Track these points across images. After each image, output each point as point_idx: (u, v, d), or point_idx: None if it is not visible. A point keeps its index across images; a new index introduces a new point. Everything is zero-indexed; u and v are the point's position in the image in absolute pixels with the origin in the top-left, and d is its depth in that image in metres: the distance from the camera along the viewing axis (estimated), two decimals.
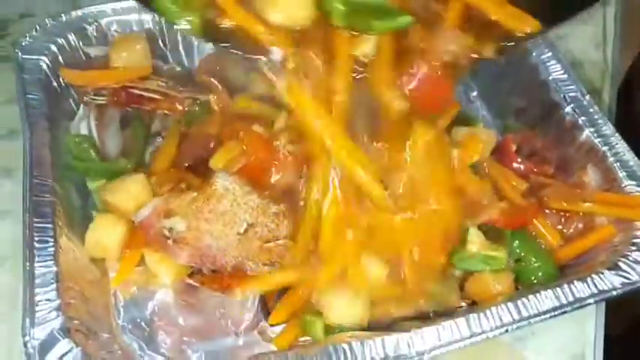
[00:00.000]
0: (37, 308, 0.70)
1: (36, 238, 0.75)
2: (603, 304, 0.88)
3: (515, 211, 0.80)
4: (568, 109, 0.94)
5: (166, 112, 0.90)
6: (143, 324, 0.84)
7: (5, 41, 1.15)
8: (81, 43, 0.98)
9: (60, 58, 0.95)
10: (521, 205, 0.82)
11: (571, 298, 0.76)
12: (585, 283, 0.77)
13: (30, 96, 0.89)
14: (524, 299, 0.75)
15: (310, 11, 0.71)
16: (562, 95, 0.95)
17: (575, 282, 0.77)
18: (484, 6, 0.75)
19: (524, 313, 0.75)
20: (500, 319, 0.74)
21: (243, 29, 0.71)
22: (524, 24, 0.74)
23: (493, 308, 0.75)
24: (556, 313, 0.75)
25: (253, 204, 0.78)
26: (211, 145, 0.82)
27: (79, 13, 0.99)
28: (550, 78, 0.97)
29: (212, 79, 0.89)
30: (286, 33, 0.71)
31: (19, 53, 0.93)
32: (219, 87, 0.89)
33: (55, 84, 0.94)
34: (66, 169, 0.87)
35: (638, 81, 1.40)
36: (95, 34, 0.99)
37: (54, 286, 0.72)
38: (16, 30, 1.15)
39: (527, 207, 0.82)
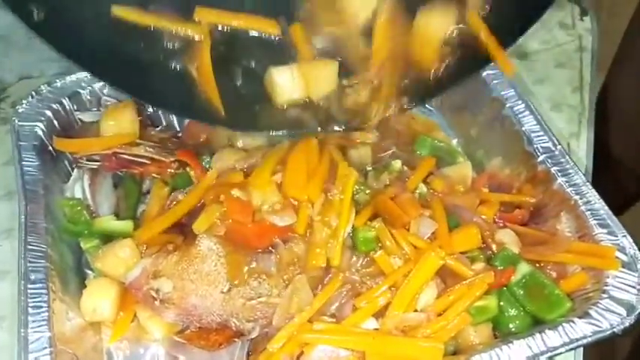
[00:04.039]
0: None
1: (30, 304, 0.78)
2: (581, 349, 0.91)
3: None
4: (541, 159, 0.97)
5: (154, 174, 0.95)
6: None
7: (5, 103, 1.20)
8: (75, 108, 1.03)
9: (55, 123, 1.00)
10: (497, 269, 0.86)
11: (543, 348, 0.79)
12: (557, 332, 0.80)
13: (25, 162, 0.93)
14: (497, 349, 0.78)
15: None
16: (535, 146, 0.99)
17: (547, 331, 0.80)
18: None
19: None
20: None
21: None
22: None
23: None
24: None
25: (236, 264, 0.82)
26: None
27: (74, 78, 1.04)
28: (523, 129, 1.01)
29: (191, 154, 0.94)
30: None
31: (16, 120, 0.98)
32: (196, 160, 0.93)
33: (50, 148, 0.98)
34: (60, 231, 0.91)
35: (613, 120, 1.45)
36: (89, 97, 1.04)
37: (47, 350, 0.75)
38: (15, 92, 1.21)
39: (503, 270, 0.86)
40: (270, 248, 0.83)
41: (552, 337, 0.79)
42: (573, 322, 0.81)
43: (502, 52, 0.81)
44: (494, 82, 1.07)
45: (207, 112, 0.80)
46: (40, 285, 0.80)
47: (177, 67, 0.80)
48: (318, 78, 0.82)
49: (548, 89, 1.28)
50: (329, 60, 0.83)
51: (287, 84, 0.80)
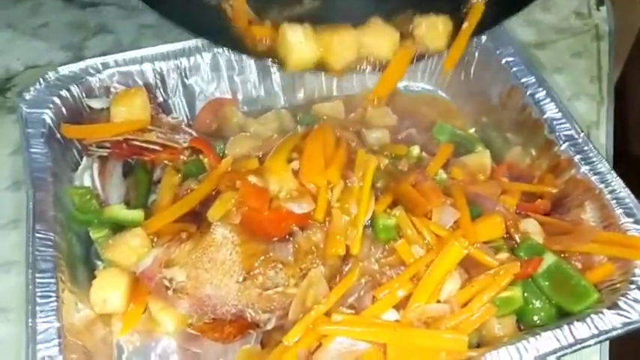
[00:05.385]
0: None
1: (38, 294, 0.76)
2: (607, 342, 0.88)
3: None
4: (564, 147, 0.95)
5: (166, 161, 0.92)
6: None
7: (12, 92, 1.18)
8: (84, 95, 1.00)
9: (63, 110, 0.97)
10: (522, 259, 0.83)
11: (571, 340, 0.76)
12: (585, 324, 0.77)
13: (33, 150, 0.90)
14: (524, 342, 0.75)
15: None
16: (557, 134, 0.96)
17: (575, 322, 0.77)
18: None
19: (525, 356, 0.74)
20: None
21: None
22: None
23: (494, 352, 0.74)
24: (557, 355, 0.75)
25: (251, 252, 0.79)
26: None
27: (82, 65, 1.02)
28: (545, 116, 0.98)
29: (204, 142, 0.91)
30: None
31: (23, 107, 0.95)
32: (210, 147, 0.91)
33: (58, 136, 0.95)
34: (69, 221, 0.89)
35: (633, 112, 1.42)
36: (98, 85, 1.01)
37: (56, 341, 0.73)
38: (22, 81, 1.19)
39: (529, 260, 0.83)
40: (287, 236, 0.80)
41: (580, 329, 0.76)
42: (602, 313, 0.78)
43: None
44: (514, 69, 1.04)
45: (236, 43, 0.97)
46: (49, 274, 0.78)
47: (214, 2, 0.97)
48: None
49: (565, 79, 1.25)
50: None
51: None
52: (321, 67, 0.99)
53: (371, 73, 1.04)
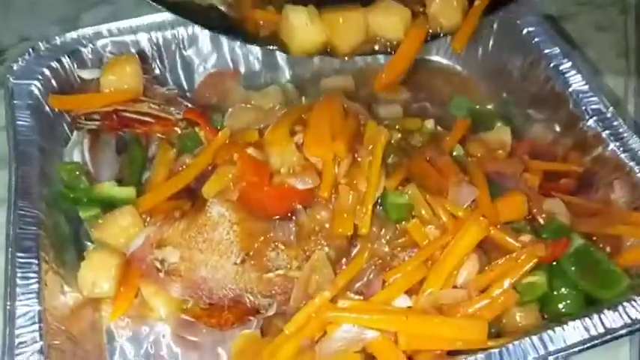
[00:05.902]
0: (17, 351, 0.66)
1: (18, 275, 0.71)
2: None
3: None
4: (590, 122, 0.88)
5: (160, 135, 0.86)
6: None
7: (3, 66, 1.13)
8: (75, 66, 0.95)
9: (53, 82, 0.93)
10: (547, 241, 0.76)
11: (602, 330, 0.70)
12: (617, 312, 0.71)
13: (20, 122, 0.86)
14: (550, 332, 0.69)
15: None
16: (583, 108, 0.89)
17: (606, 311, 0.71)
18: None
19: (551, 348, 0.68)
20: (524, 356, 0.67)
21: None
22: None
23: (516, 343, 0.68)
24: (586, 346, 0.69)
25: (250, 232, 0.73)
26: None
27: (74, 35, 0.97)
28: (570, 90, 0.91)
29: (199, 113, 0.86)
30: None
31: (10, 78, 0.91)
32: (206, 119, 0.86)
33: (47, 109, 0.91)
34: (56, 198, 0.83)
35: None
36: (90, 56, 0.97)
37: (36, 326, 0.67)
38: (14, 55, 1.13)
39: (556, 242, 0.76)
40: (289, 215, 0.75)
41: (611, 318, 0.70)
42: (634, 300, 0.72)
43: None
44: (536, 39, 0.98)
45: (237, 29, 0.89)
46: (31, 254, 0.73)
47: None
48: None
49: (590, 54, 1.17)
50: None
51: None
52: (326, 50, 0.91)
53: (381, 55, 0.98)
